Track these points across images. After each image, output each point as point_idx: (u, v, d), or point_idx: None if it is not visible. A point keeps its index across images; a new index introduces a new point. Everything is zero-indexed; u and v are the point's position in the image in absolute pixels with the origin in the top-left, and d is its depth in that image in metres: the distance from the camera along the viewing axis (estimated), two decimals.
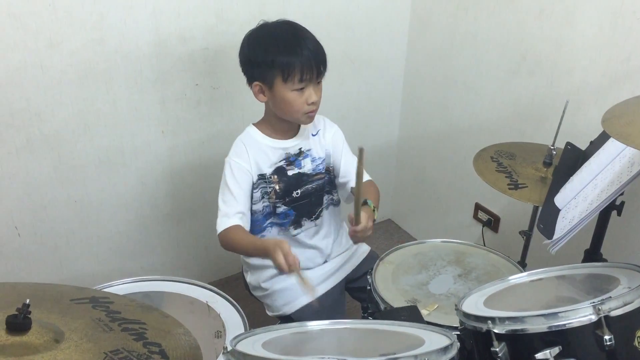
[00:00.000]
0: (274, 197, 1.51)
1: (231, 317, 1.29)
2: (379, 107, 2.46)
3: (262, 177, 1.49)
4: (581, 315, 0.93)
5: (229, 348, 0.90)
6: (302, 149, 1.53)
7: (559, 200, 1.42)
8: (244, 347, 0.91)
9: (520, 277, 1.25)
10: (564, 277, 1.23)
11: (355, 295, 1.70)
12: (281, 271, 1.26)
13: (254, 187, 1.49)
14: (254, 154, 1.48)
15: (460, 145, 2.25)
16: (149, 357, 0.80)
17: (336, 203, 1.64)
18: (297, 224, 1.57)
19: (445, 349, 0.89)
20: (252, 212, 1.50)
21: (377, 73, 2.37)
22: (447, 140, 2.33)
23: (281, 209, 1.53)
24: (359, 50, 2.26)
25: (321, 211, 1.60)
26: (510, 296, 1.20)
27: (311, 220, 1.58)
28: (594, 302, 0.93)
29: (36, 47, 1.63)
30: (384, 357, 0.85)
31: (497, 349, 0.97)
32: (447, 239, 1.65)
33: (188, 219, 2.15)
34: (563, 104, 1.56)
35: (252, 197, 1.49)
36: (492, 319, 0.99)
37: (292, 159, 1.52)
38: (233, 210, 1.43)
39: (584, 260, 1.50)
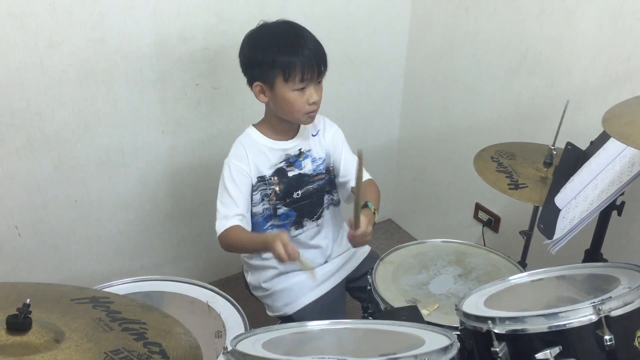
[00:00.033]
0: (274, 198, 1.51)
1: (231, 317, 1.29)
2: (379, 107, 2.46)
3: (261, 179, 1.49)
4: (581, 315, 0.93)
5: (229, 348, 0.90)
6: (301, 150, 1.53)
7: (559, 200, 1.42)
8: (244, 347, 0.91)
9: (520, 277, 1.25)
10: (564, 277, 1.23)
11: (355, 295, 1.70)
12: (281, 261, 1.28)
13: (254, 189, 1.48)
14: (253, 155, 1.48)
15: (461, 145, 2.25)
16: (149, 357, 0.80)
17: (336, 203, 1.64)
18: (299, 225, 1.57)
19: (446, 349, 0.89)
20: (252, 215, 1.50)
21: (377, 73, 2.37)
22: (448, 140, 2.33)
23: (282, 210, 1.53)
24: (359, 50, 2.26)
25: (322, 211, 1.60)
26: (511, 296, 1.20)
27: (313, 221, 1.58)
28: (594, 302, 0.93)
29: (36, 47, 1.63)
30: (384, 357, 0.85)
31: (498, 349, 0.97)
32: (448, 239, 1.65)
33: (188, 219, 2.15)
34: (563, 103, 1.56)
35: (251, 199, 1.49)
36: (493, 319, 0.99)
37: (292, 160, 1.52)
38: (232, 213, 1.43)
39: (585, 261, 1.50)
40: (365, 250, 1.71)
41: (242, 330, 1.24)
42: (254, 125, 1.54)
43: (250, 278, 1.64)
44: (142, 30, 1.76)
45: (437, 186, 2.47)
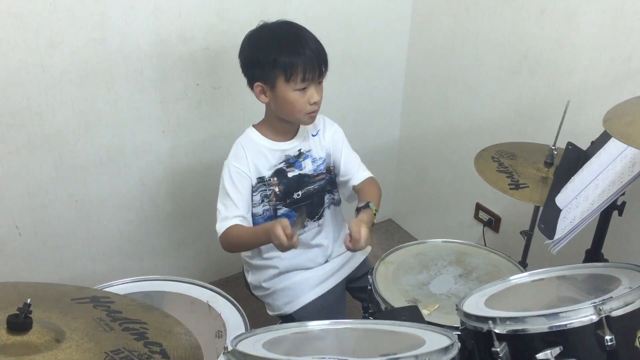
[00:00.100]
0: (274, 199, 1.51)
1: (232, 317, 1.29)
2: (380, 107, 2.46)
3: (261, 180, 1.49)
4: (582, 315, 0.93)
5: (230, 348, 0.90)
6: (301, 150, 1.53)
7: (560, 200, 1.42)
8: (245, 347, 0.91)
9: (521, 277, 1.25)
10: (565, 277, 1.23)
11: (355, 295, 1.70)
12: (282, 247, 1.28)
13: (253, 190, 1.48)
14: (253, 157, 1.48)
15: (461, 145, 2.25)
16: (149, 357, 0.80)
17: (337, 202, 1.64)
18: (300, 225, 1.56)
19: (446, 349, 0.89)
20: (253, 215, 1.50)
21: (378, 73, 2.36)
22: (448, 140, 2.33)
23: (282, 210, 1.52)
24: (359, 50, 2.26)
25: (323, 211, 1.60)
26: (511, 296, 1.20)
27: (314, 221, 1.58)
28: (595, 302, 0.93)
29: (37, 47, 1.63)
30: (385, 357, 0.85)
31: (498, 349, 0.97)
32: (448, 239, 1.65)
33: (189, 219, 2.15)
34: (564, 103, 1.56)
35: (252, 200, 1.49)
36: (493, 319, 0.99)
37: (292, 161, 1.52)
38: (232, 214, 1.44)
39: (585, 261, 1.50)
40: (365, 250, 1.71)
41: (243, 330, 1.24)
42: (253, 125, 1.53)
43: (251, 278, 1.64)
44: (142, 30, 1.76)
45: (437, 186, 2.47)
